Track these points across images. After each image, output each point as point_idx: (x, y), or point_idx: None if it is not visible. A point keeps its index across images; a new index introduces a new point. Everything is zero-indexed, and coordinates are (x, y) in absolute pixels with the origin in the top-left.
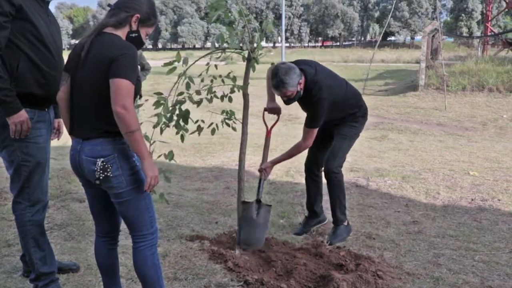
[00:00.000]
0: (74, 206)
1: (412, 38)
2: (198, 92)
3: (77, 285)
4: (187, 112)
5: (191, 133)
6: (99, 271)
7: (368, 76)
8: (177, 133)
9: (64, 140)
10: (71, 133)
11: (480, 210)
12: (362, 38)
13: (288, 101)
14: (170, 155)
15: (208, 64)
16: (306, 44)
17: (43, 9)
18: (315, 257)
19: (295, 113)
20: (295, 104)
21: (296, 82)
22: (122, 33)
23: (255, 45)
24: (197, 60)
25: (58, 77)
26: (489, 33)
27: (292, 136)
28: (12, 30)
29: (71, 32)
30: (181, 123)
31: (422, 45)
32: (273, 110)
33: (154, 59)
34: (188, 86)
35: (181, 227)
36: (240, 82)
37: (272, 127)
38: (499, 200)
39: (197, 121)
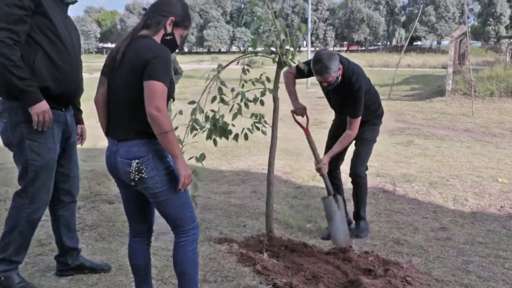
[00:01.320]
0: (104, 208)
1: (439, 43)
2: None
3: (109, 285)
4: (225, 124)
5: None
6: (130, 271)
7: (394, 81)
8: (208, 137)
9: (92, 142)
10: (107, 134)
11: (510, 217)
12: (388, 43)
13: (327, 87)
14: (201, 157)
15: (248, 66)
16: (332, 49)
17: (61, 10)
18: (343, 262)
19: (322, 118)
20: (324, 109)
21: (337, 68)
22: (157, 36)
23: (287, 47)
24: (228, 64)
25: (75, 74)
26: None
27: (317, 141)
28: (31, 24)
29: (99, 36)
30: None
31: (450, 50)
32: (301, 110)
33: (180, 63)
34: (220, 91)
35: (209, 230)
36: (269, 85)
37: (307, 126)
38: None
39: (231, 132)
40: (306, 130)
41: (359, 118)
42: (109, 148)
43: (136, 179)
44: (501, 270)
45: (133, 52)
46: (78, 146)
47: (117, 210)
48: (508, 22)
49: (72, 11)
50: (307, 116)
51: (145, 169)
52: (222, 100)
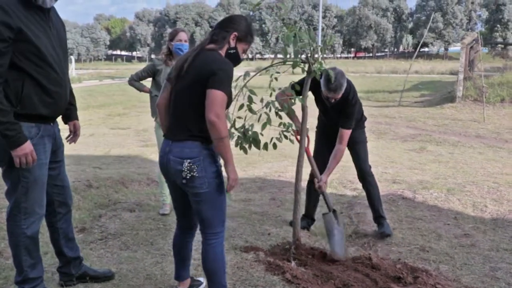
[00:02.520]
0: (125, 216)
1: (446, 49)
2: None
3: None
4: (255, 134)
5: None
6: (159, 280)
7: (404, 88)
8: (236, 145)
9: (106, 150)
10: (165, 136)
11: None
12: (395, 49)
13: (332, 102)
14: None
15: (278, 72)
16: (339, 55)
17: (43, 21)
18: (372, 270)
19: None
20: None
21: (345, 87)
22: (222, 50)
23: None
24: (257, 73)
25: (64, 93)
26: None
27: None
28: (14, 52)
29: (108, 43)
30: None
31: (461, 56)
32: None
33: None
34: (250, 99)
35: (234, 238)
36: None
37: (308, 145)
38: None
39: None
40: (307, 149)
41: (350, 130)
42: (162, 149)
43: (187, 177)
44: None
45: (200, 62)
46: (93, 153)
47: (139, 219)
48: None
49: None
50: (307, 137)
51: (196, 168)
52: (250, 109)
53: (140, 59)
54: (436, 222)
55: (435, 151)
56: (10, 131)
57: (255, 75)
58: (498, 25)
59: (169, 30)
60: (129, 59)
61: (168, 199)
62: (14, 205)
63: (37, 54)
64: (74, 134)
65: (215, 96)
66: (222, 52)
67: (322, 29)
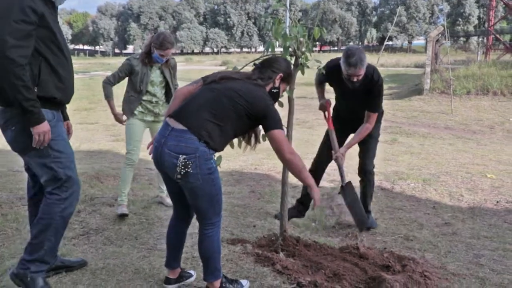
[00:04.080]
0: (105, 211)
1: (410, 43)
2: None
3: None
4: None
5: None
6: (148, 274)
7: None
8: None
9: (76, 145)
10: (171, 116)
11: (508, 211)
12: (360, 43)
13: (355, 83)
14: (219, 160)
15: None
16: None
17: (54, 16)
18: (360, 259)
19: (303, 117)
20: (303, 109)
21: (366, 63)
22: (267, 87)
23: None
24: (244, 66)
25: (72, 80)
26: (491, 37)
27: (304, 140)
28: (35, 37)
29: (70, 38)
30: None
31: (428, 50)
32: (322, 106)
33: None
34: None
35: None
36: None
37: (330, 118)
38: None
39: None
40: (330, 123)
41: (376, 114)
42: (157, 140)
43: (182, 172)
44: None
45: (247, 90)
46: None
47: None
48: (476, 22)
49: None
50: (328, 111)
51: (191, 164)
52: None
53: (103, 54)
54: (416, 212)
55: (406, 142)
56: (35, 108)
57: (242, 68)
58: (460, 19)
59: (133, 25)
60: (92, 53)
61: (125, 200)
62: (56, 186)
63: (54, 41)
64: (67, 133)
65: (280, 135)
66: (267, 89)
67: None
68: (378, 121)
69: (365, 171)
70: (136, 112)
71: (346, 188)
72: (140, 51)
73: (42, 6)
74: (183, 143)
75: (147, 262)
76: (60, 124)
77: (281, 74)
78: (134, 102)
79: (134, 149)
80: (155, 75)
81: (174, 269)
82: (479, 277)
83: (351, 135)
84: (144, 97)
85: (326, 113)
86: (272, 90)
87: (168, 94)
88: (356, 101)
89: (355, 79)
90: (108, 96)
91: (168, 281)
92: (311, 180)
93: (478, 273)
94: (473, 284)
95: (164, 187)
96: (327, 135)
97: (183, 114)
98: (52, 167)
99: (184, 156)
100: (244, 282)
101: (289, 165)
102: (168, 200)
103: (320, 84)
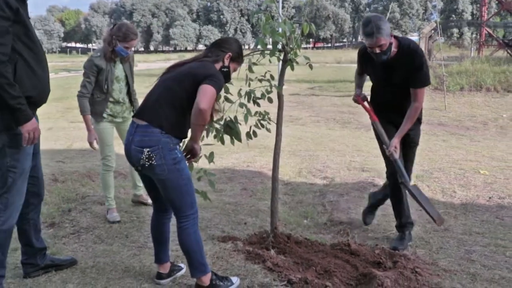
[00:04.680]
0: (96, 209)
1: None
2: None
3: None
4: (237, 127)
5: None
6: (138, 273)
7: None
8: (215, 137)
9: (67, 143)
10: (134, 116)
11: (500, 207)
12: (354, 40)
13: (380, 54)
14: (211, 157)
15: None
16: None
17: (26, 11)
18: (351, 256)
19: (296, 114)
20: (296, 106)
21: (389, 32)
22: (216, 65)
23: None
24: None
25: (48, 79)
26: (484, 33)
27: (297, 138)
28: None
29: (62, 35)
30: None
31: (420, 46)
32: (357, 98)
33: (146, 61)
34: (227, 89)
35: (210, 228)
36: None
37: (368, 108)
38: None
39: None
40: (374, 115)
41: (424, 89)
42: (126, 138)
43: (146, 165)
44: (503, 258)
45: (197, 64)
46: (53, 147)
47: None
48: (470, 18)
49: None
50: (361, 103)
51: (154, 156)
52: (227, 99)
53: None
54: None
55: None
56: (22, 105)
57: None
58: (453, 15)
59: (125, 21)
60: (85, 51)
61: (113, 203)
62: None
63: (29, 36)
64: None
65: (210, 90)
66: (216, 67)
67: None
68: (419, 120)
69: (400, 182)
70: (105, 115)
71: (413, 188)
72: (96, 48)
73: (15, 1)
74: (147, 137)
75: (138, 260)
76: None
77: (229, 53)
78: (101, 103)
79: (109, 154)
80: (119, 70)
81: (164, 264)
82: (470, 273)
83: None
84: (111, 98)
85: (364, 105)
86: (222, 69)
87: (128, 91)
88: (392, 88)
89: (377, 51)
90: (84, 111)
91: (160, 276)
92: (199, 136)
93: (469, 269)
94: (464, 279)
95: (141, 184)
96: (375, 130)
97: (144, 111)
98: (6, 177)
99: (148, 149)
100: (235, 279)
101: (198, 114)
102: (149, 200)
103: (358, 75)
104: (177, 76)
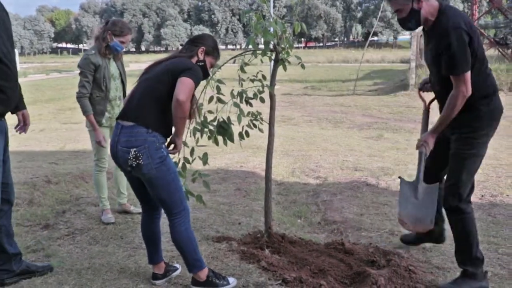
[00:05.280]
0: (90, 210)
1: (395, 38)
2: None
3: None
4: (231, 129)
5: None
6: (134, 273)
7: (357, 76)
8: (209, 138)
9: (60, 145)
10: (118, 117)
11: (492, 205)
12: (345, 39)
13: (402, 21)
14: (204, 158)
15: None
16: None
17: None
18: (345, 255)
19: (288, 114)
20: (289, 106)
21: None
22: (192, 60)
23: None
24: (225, 63)
25: (15, 87)
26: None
27: (290, 138)
28: None
29: (53, 36)
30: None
31: (412, 45)
32: (427, 88)
33: (138, 62)
34: (218, 89)
35: (204, 229)
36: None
37: (430, 102)
38: (507, 195)
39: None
40: (428, 105)
41: (465, 75)
42: (112, 139)
43: (133, 165)
44: (496, 255)
45: (174, 61)
46: (45, 149)
47: None
48: None
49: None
50: (418, 90)
51: (141, 156)
52: (219, 100)
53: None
54: None
55: (392, 138)
56: None
57: (222, 65)
58: None
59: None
60: (76, 51)
61: (107, 204)
62: None
63: None
64: (24, 123)
65: (188, 82)
66: (193, 62)
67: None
68: (472, 129)
69: (446, 207)
70: (104, 120)
71: (437, 188)
72: (87, 48)
73: None
74: (133, 137)
75: (133, 261)
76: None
77: (203, 47)
78: (101, 102)
79: (104, 156)
80: (114, 68)
81: (158, 264)
82: None
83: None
84: (110, 96)
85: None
86: (198, 63)
87: (123, 89)
88: (431, 68)
89: (398, 17)
90: (87, 112)
91: (155, 276)
92: (182, 130)
93: None
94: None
95: (126, 192)
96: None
97: (128, 112)
98: None
99: (135, 149)
100: (231, 280)
101: (178, 106)
102: (133, 208)
103: None
104: (156, 74)
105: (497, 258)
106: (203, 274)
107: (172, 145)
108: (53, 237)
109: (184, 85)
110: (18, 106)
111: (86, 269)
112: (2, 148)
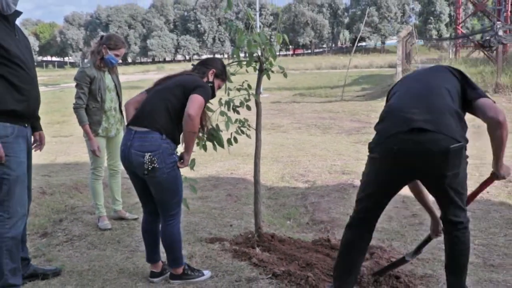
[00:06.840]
0: (87, 218)
1: (383, 43)
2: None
3: (115, 287)
4: (220, 135)
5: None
6: (133, 273)
7: (345, 82)
8: (197, 145)
9: (51, 158)
10: (131, 123)
11: (473, 202)
12: (333, 45)
13: None
14: (192, 163)
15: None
16: (278, 53)
17: (8, 29)
18: (331, 250)
19: (278, 122)
20: (278, 114)
21: None
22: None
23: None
24: None
25: (34, 91)
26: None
27: (279, 144)
28: None
29: (37, 49)
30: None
31: (398, 50)
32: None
33: (125, 74)
34: None
35: (198, 231)
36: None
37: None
38: (488, 192)
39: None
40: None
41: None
42: (123, 143)
43: (149, 168)
44: (472, 246)
45: (186, 77)
46: (37, 162)
47: None
48: (447, 20)
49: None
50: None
51: (156, 160)
52: (208, 108)
53: (73, 65)
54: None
55: None
56: None
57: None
58: (431, 17)
59: (102, 33)
60: (62, 65)
61: (104, 211)
62: None
63: (7, 57)
64: (40, 143)
65: (199, 99)
66: None
67: (260, 28)
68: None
69: (449, 220)
70: (100, 130)
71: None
72: (73, 61)
73: None
74: (147, 142)
75: (131, 262)
76: (19, 140)
77: (213, 70)
78: (97, 113)
79: (100, 165)
80: (109, 80)
81: (156, 263)
82: (442, 260)
83: None
84: (105, 107)
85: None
86: (207, 84)
87: (118, 101)
88: None
89: None
90: (83, 122)
91: (152, 274)
92: (192, 145)
93: (441, 256)
94: (436, 266)
95: (121, 199)
96: None
97: (141, 118)
98: (1, 184)
99: (150, 153)
100: (206, 272)
101: (188, 121)
102: (128, 214)
103: None
104: (168, 87)
105: (473, 248)
106: (180, 269)
107: (181, 160)
108: (52, 244)
109: (195, 101)
110: (35, 127)
111: (87, 270)
112: (25, 151)
